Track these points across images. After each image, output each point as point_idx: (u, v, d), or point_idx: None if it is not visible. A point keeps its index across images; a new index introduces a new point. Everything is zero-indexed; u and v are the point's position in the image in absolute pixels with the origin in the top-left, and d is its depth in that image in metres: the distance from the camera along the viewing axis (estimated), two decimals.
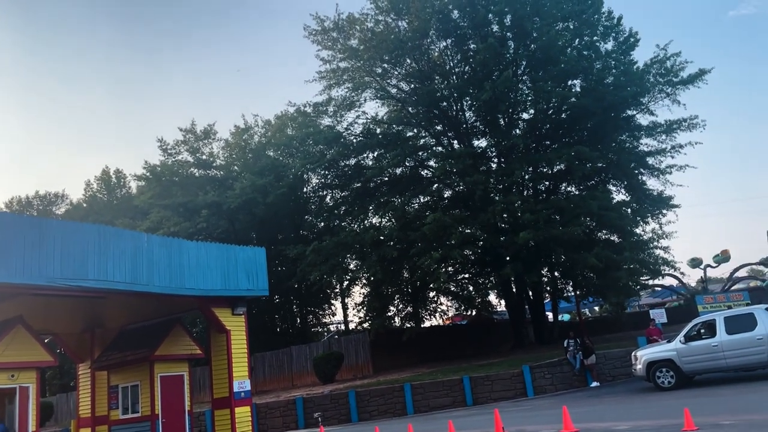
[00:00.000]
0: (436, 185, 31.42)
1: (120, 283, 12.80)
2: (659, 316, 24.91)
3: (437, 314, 36.90)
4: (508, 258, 27.21)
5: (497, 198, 27.27)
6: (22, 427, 12.78)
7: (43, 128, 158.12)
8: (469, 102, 29.72)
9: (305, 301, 41.19)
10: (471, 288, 34.34)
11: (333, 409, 21.94)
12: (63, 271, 11.86)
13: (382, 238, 28.90)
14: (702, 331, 16.36)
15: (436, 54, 29.94)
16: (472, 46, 28.38)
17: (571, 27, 28.24)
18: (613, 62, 28.85)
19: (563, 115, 29.25)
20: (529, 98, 29.41)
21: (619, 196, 31.30)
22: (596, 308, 60.11)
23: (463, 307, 36.17)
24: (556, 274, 31.83)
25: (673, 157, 30.39)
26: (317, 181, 35.70)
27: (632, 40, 29.31)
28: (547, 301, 35.58)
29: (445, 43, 29.59)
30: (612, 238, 29.78)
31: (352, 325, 41.06)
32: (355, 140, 31.14)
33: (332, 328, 46.64)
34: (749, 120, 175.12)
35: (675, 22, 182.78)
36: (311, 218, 38.43)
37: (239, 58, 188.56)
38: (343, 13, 29.36)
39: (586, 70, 27.91)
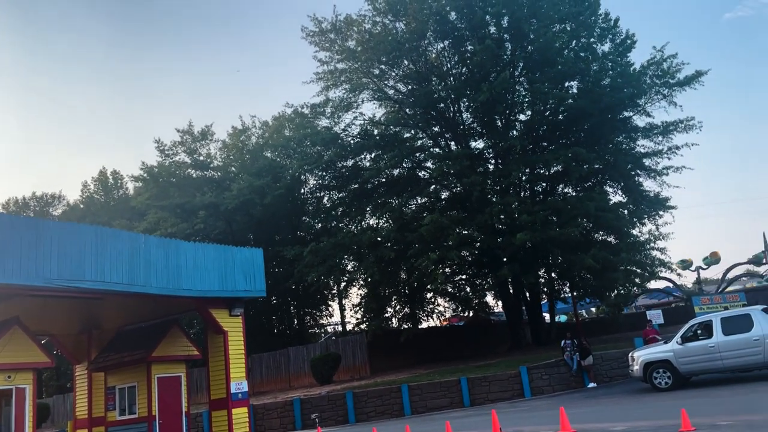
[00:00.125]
0: (433, 186, 31.45)
1: (117, 284, 12.79)
2: (656, 317, 24.96)
3: (434, 315, 36.98)
4: (505, 259, 27.25)
5: (494, 199, 27.31)
6: (18, 428, 12.76)
7: (40, 129, 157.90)
8: (467, 103, 29.78)
9: (303, 302, 41.18)
10: (468, 289, 34.38)
11: (330, 410, 21.94)
12: (60, 272, 11.85)
13: (379, 239, 28.92)
14: (699, 332, 16.39)
15: (434, 55, 29.98)
16: (469, 47, 28.43)
17: (568, 29, 28.29)
18: (610, 64, 28.92)
19: (560, 117, 29.31)
20: (526, 100, 29.48)
21: (616, 197, 31.42)
22: (593, 309, 60.16)
23: (460, 308, 36.20)
24: (553, 275, 31.90)
25: (669, 159, 30.52)
26: (315, 182, 35.71)
27: (629, 42, 29.39)
28: (544, 302, 35.61)
29: (442, 45, 29.65)
30: (609, 240, 29.86)
31: (349, 327, 41.08)
32: (352, 141, 31.16)
33: (329, 329, 46.64)
34: (746, 121, 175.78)
35: (671, 24, 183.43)
36: (309, 219, 38.44)
37: (237, 59, 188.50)
38: (341, 15, 29.43)
39: (583, 72, 27.97)
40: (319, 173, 33.02)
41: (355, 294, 38.36)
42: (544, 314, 36.96)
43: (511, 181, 27.30)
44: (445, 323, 42.53)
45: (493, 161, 30.85)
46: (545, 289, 33.26)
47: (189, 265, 14.41)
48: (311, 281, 30.61)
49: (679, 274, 39.42)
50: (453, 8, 28.18)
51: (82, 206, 51.77)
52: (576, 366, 20.73)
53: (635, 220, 30.23)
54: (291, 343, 35.60)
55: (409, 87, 30.32)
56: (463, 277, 34.12)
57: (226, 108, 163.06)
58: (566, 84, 29.22)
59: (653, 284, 36.14)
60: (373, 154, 30.94)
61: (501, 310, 36.84)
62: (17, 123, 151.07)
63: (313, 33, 29.56)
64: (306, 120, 32.45)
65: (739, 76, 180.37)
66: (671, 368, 16.40)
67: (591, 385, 20.40)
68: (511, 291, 31.85)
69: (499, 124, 29.86)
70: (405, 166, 31.24)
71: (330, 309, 43.91)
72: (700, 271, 41.80)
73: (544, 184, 31.11)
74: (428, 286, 30.36)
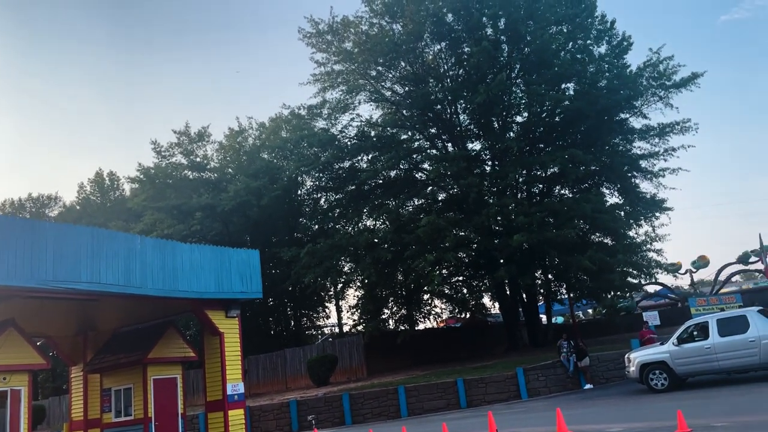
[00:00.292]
0: (430, 188, 31.49)
1: (113, 286, 12.73)
2: (652, 318, 25.00)
3: (431, 317, 36.96)
4: (501, 260, 27.27)
5: (491, 201, 27.34)
6: (13, 430, 12.69)
7: (37, 130, 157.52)
8: (463, 105, 29.81)
9: (299, 303, 41.15)
10: (465, 290, 34.42)
11: (327, 412, 21.90)
12: (55, 273, 11.79)
13: (376, 240, 28.92)
14: (695, 333, 16.41)
15: (431, 57, 30.01)
16: (466, 49, 28.46)
17: (565, 30, 28.35)
18: (607, 66, 29.00)
19: (557, 118, 29.37)
20: (523, 101, 29.53)
21: (613, 198, 31.52)
22: (590, 311, 60.24)
23: (457, 310, 36.23)
24: (549, 276, 31.94)
25: (665, 160, 30.63)
26: (311, 183, 35.71)
27: (625, 43, 29.48)
28: (540, 303, 35.67)
29: (439, 47, 29.69)
30: (605, 241, 29.93)
31: (346, 328, 41.07)
32: (349, 143, 31.17)
33: (326, 330, 46.60)
34: (743, 123, 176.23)
35: (668, 26, 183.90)
36: (305, 221, 38.44)
37: (234, 61, 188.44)
38: (338, 16, 29.46)
39: (579, 74, 28.03)
40: (316, 175, 33.02)
41: (352, 295, 38.41)
42: (540, 316, 37.02)
43: (508, 182, 27.33)
44: (442, 325, 42.55)
45: (489, 163, 30.89)
46: (542, 291, 33.31)
47: (185, 267, 14.35)
48: (308, 283, 30.59)
49: (675, 276, 39.53)
50: (450, 10, 28.22)
51: (78, 207, 51.67)
52: (572, 367, 20.74)
53: (631, 221, 30.32)
54: (288, 345, 35.56)
55: (406, 88, 30.34)
56: (460, 278, 34.14)
57: (223, 109, 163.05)
58: (563, 86, 29.30)
59: (650, 285, 36.24)
60: (370, 156, 30.95)
61: (498, 311, 36.90)
62: (13, 124, 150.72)
63: (310, 34, 29.57)
64: (303, 121, 32.45)
65: (736, 77, 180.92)
66: (667, 369, 16.41)
67: (587, 386, 20.41)
68: (508, 292, 31.88)
69: (496, 125, 29.90)
70: (402, 167, 31.25)
71: (327, 310, 43.94)
72: (692, 273, 41.98)
73: (540, 186, 31.17)
74: (425, 288, 30.38)
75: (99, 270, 12.47)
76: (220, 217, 35.64)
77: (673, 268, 31.69)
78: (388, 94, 31.24)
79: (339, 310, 42.88)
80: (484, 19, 28.01)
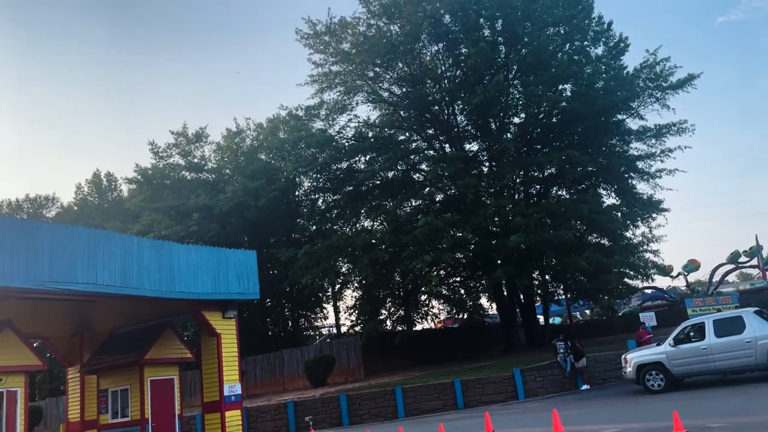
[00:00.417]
0: (427, 189, 31.50)
1: (109, 287, 12.72)
2: (649, 319, 25.03)
3: (429, 317, 36.97)
4: (499, 261, 27.29)
5: (488, 201, 27.37)
6: (9, 431, 12.68)
7: (35, 131, 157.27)
8: (461, 106, 29.83)
9: (297, 304, 41.14)
10: (462, 291, 34.41)
11: (324, 413, 21.91)
12: (52, 274, 11.77)
13: (373, 241, 28.93)
14: (691, 334, 16.45)
15: (428, 58, 30.03)
16: (463, 50, 28.48)
17: (562, 32, 28.40)
18: (604, 67, 29.06)
19: (554, 119, 29.41)
20: (520, 102, 29.57)
21: (610, 199, 31.53)
22: (587, 311, 60.30)
23: (454, 311, 36.24)
24: (546, 277, 31.96)
25: (662, 161, 30.67)
26: (309, 184, 35.68)
27: (622, 45, 29.53)
28: (538, 304, 35.70)
29: (436, 48, 29.70)
30: (602, 242, 29.96)
31: (344, 329, 41.05)
32: (347, 144, 31.17)
33: (324, 331, 46.60)
34: (741, 124, 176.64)
35: (665, 27, 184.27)
36: (303, 221, 38.42)
37: (232, 62, 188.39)
38: (335, 17, 29.44)
39: (576, 75, 28.08)
40: (314, 175, 33.01)
41: (350, 296, 38.43)
42: (538, 316, 37.05)
43: (505, 183, 27.36)
44: (439, 325, 42.56)
45: (487, 164, 30.93)
46: (539, 291, 33.33)
47: (182, 268, 14.35)
48: (306, 283, 30.59)
49: (672, 277, 39.55)
50: (447, 11, 28.24)
51: (75, 208, 51.56)
52: (569, 368, 20.78)
53: (628, 222, 30.35)
54: (285, 346, 35.55)
55: (404, 89, 30.36)
56: (458, 279, 34.15)
57: (221, 110, 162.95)
58: (560, 87, 29.36)
59: (646, 285, 36.26)
60: (368, 157, 30.95)
61: (495, 312, 36.92)
62: (11, 125, 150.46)
63: (307, 35, 29.57)
64: (300, 122, 32.45)
65: (732, 79, 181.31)
66: (664, 370, 16.46)
67: (584, 387, 20.44)
68: (505, 293, 31.90)
69: (493, 126, 29.93)
70: (399, 168, 31.27)
71: (324, 311, 43.94)
72: (685, 276, 42.07)
73: (538, 187, 31.21)
74: (422, 289, 30.37)
75: (95, 271, 12.46)
76: (218, 217, 35.62)
77: (665, 272, 31.73)
78: (385, 95, 31.26)
79: (337, 311, 42.88)
80: (481, 20, 28.03)
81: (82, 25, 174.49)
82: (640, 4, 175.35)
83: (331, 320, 44.88)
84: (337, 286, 37.64)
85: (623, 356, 18.02)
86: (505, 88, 28.10)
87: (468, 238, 27.51)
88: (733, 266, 40.52)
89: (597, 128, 28.53)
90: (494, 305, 35.22)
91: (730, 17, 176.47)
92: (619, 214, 29.48)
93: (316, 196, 35.87)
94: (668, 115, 49.54)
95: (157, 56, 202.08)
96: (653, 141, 30.31)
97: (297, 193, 38.48)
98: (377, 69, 29.73)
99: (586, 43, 29.56)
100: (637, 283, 31.94)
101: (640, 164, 30.89)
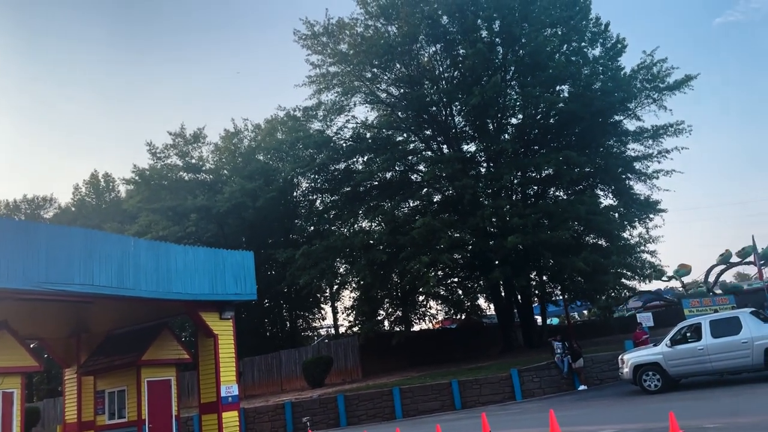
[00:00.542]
0: (425, 189, 31.51)
1: (106, 288, 12.74)
2: (646, 319, 25.07)
3: (427, 318, 36.99)
4: (496, 262, 27.31)
5: (486, 202, 27.39)
6: None
7: (32, 132, 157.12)
8: (458, 107, 29.86)
9: (295, 305, 41.13)
10: (460, 292, 34.41)
11: (322, 414, 21.90)
12: (48, 275, 11.78)
13: (371, 242, 28.93)
14: (688, 334, 16.48)
15: (426, 59, 30.05)
16: (461, 51, 28.51)
17: (560, 33, 28.42)
18: (601, 68, 29.09)
19: (551, 120, 29.44)
20: (518, 103, 29.60)
21: (607, 200, 31.57)
22: (585, 312, 60.36)
23: (452, 311, 36.25)
24: (544, 277, 32.00)
25: (659, 162, 30.71)
26: (307, 185, 35.70)
27: (619, 46, 29.57)
28: (535, 304, 35.72)
29: (434, 48, 29.72)
30: (600, 243, 30.00)
31: (341, 329, 41.06)
32: (344, 144, 31.18)
33: (322, 332, 46.59)
34: (739, 125, 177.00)
35: (662, 28, 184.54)
36: (301, 222, 38.42)
37: (229, 63, 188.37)
38: (333, 18, 29.41)
39: (574, 76, 28.10)
40: (312, 176, 33.01)
41: (348, 297, 38.43)
42: (535, 317, 37.08)
43: (503, 184, 27.39)
44: (437, 326, 42.56)
45: (484, 164, 30.95)
46: (536, 292, 33.37)
47: (179, 269, 14.37)
48: (303, 284, 30.58)
49: (669, 278, 39.59)
50: (445, 12, 28.26)
51: (73, 209, 51.49)
52: (567, 368, 20.79)
53: (626, 223, 30.38)
54: (283, 346, 35.54)
55: (402, 90, 30.38)
56: (455, 279, 34.17)
57: (219, 111, 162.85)
58: (557, 88, 29.38)
59: (643, 287, 36.29)
60: (366, 157, 30.96)
61: (493, 312, 36.95)
62: (9, 126, 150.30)
63: (305, 36, 29.55)
64: (298, 123, 32.45)
65: (730, 80, 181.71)
66: (660, 371, 16.47)
67: (581, 387, 20.46)
68: (503, 294, 31.92)
69: (491, 127, 29.96)
70: (397, 169, 31.29)
71: (322, 312, 43.91)
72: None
73: (535, 188, 31.24)
74: (420, 289, 30.40)
75: (92, 272, 12.48)
76: (216, 218, 35.60)
77: (658, 275, 31.88)
78: (383, 95, 31.27)
79: (335, 312, 42.91)
80: (478, 21, 28.06)
81: (81, 25, 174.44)
82: (638, 5, 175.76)
83: (329, 321, 44.93)
84: (335, 287, 37.64)
85: (620, 357, 18.04)
86: (503, 89, 28.13)
87: (466, 239, 27.53)
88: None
89: (594, 129, 28.57)
90: (492, 306, 35.23)
91: (727, 18, 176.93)
92: (617, 214, 29.50)
93: (314, 196, 35.88)
94: (665, 116, 49.69)
95: (156, 57, 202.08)
96: (650, 142, 30.39)
97: (295, 193, 38.47)
98: (375, 70, 29.74)
99: (583, 44, 29.60)
100: (635, 283, 32.01)
101: (637, 165, 30.95)
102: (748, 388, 14.89)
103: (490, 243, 26.76)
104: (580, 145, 28.99)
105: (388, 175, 31.40)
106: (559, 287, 31.97)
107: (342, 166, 31.73)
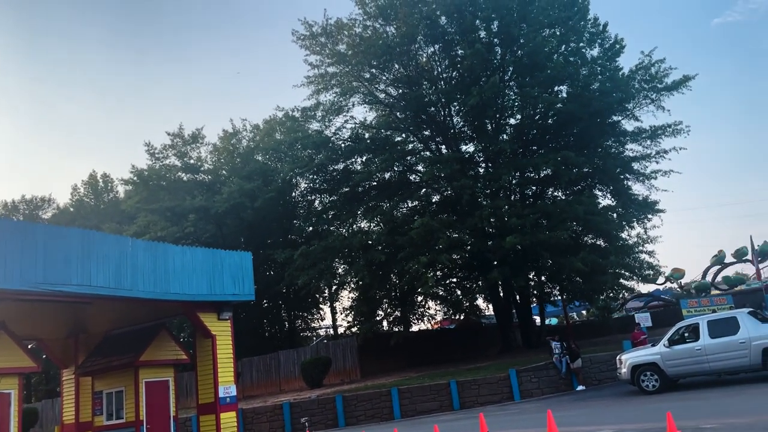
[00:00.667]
0: (424, 190, 31.52)
1: (104, 288, 12.73)
2: (644, 320, 25.07)
3: (425, 318, 36.98)
4: (495, 262, 27.32)
5: (484, 203, 27.39)
6: None
7: (31, 132, 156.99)
8: (457, 107, 29.87)
9: (294, 305, 41.10)
10: (459, 292, 34.43)
11: (320, 414, 21.90)
12: (46, 275, 11.78)
13: (370, 242, 28.94)
14: (686, 334, 16.49)
15: (424, 59, 30.06)
16: (459, 51, 28.53)
17: (558, 33, 28.45)
18: (599, 68, 29.12)
19: (550, 121, 29.45)
20: (516, 104, 29.62)
21: (605, 200, 31.60)
22: (584, 312, 60.39)
23: (451, 311, 36.26)
24: (542, 278, 32.02)
25: (657, 162, 30.74)
26: (306, 185, 35.70)
27: (618, 46, 29.60)
28: (534, 305, 35.74)
29: (432, 49, 29.73)
30: (598, 243, 30.04)
31: (340, 330, 41.05)
32: (343, 145, 31.19)
33: (321, 332, 46.57)
34: (737, 125, 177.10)
35: (660, 29, 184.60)
36: (300, 223, 38.43)
37: (228, 63, 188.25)
38: (332, 18, 29.40)
39: (572, 76, 28.13)
40: (310, 176, 33.02)
41: (346, 297, 38.43)
42: (534, 317, 37.09)
43: (501, 184, 27.40)
44: (436, 326, 42.57)
45: (483, 165, 30.96)
46: (535, 292, 33.39)
47: (177, 269, 14.37)
48: (302, 284, 30.57)
49: (666, 278, 39.62)
50: (443, 12, 28.27)
51: (71, 209, 51.44)
52: (565, 369, 20.80)
53: (624, 223, 30.41)
54: (282, 347, 35.51)
55: (400, 91, 30.39)
56: (454, 280, 34.17)
57: (217, 111, 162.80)
58: (556, 88, 29.40)
59: (641, 287, 36.34)
60: (364, 158, 30.97)
61: (491, 313, 36.98)
62: (8, 126, 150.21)
63: (303, 37, 29.56)
64: (297, 123, 32.46)
65: (728, 80, 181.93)
66: (658, 371, 16.49)
67: (580, 387, 20.47)
68: (502, 294, 31.93)
69: (489, 127, 29.97)
70: (396, 169, 31.29)
71: (321, 312, 43.89)
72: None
73: (533, 188, 31.26)
74: (419, 290, 30.40)
75: (90, 272, 12.47)
76: (214, 219, 35.59)
77: (655, 276, 31.93)
78: (381, 96, 31.28)
79: (333, 312, 42.89)
80: (477, 21, 28.08)
81: (80, 25, 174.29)
82: (636, 6, 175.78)
83: (328, 321, 44.89)
84: (334, 287, 37.62)
85: (618, 357, 18.05)
86: (501, 90, 28.14)
87: (464, 239, 27.53)
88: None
89: (592, 129, 28.59)
90: (490, 306, 35.24)
91: (725, 19, 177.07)
92: (615, 215, 29.54)
93: (313, 197, 35.88)
94: (663, 116, 49.69)
95: (155, 57, 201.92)
96: (648, 142, 30.42)
97: (293, 194, 38.47)
98: (373, 70, 29.75)
99: (581, 44, 29.61)
100: (633, 284, 32.04)
101: (635, 165, 30.97)
102: (746, 388, 14.91)
103: (489, 243, 26.77)
104: (578, 146, 29.02)
105: (387, 175, 31.41)
106: (557, 287, 31.99)
107: (341, 166, 31.74)
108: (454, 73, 29.64)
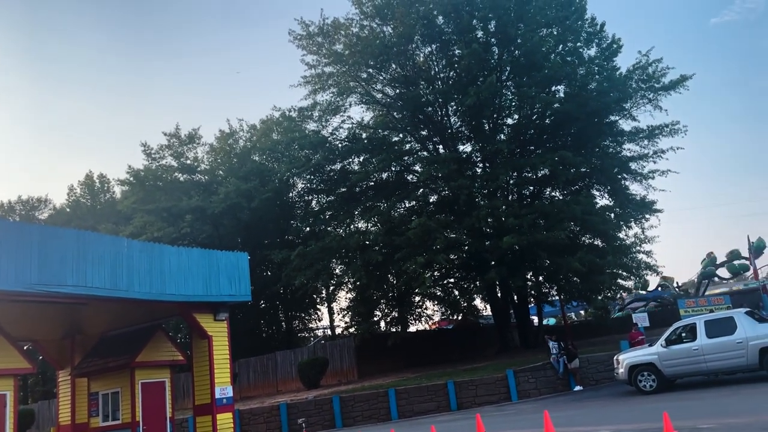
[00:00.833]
0: (421, 190, 31.49)
1: (99, 289, 12.66)
2: (642, 320, 25.09)
3: (423, 319, 36.95)
4: (492, 262, 27.29)
5: (482, 203, 27.37)
6: None
7: (27, 132, 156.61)
8: (454, 107, 29.84)
9: (291, 306, 41.04)
10: (456, 292, 34.43)
11: (317, 415, 21.84)
12: (41, 276, 11.70)
13: (367, 242, 28.89)
14: (683, 334, 16.48)
15: (421, 59, 30.03)
16: (456, 51, 28.50)
17: (555, 33, 28.45)
18: (596, 68, 29.11)
19: (547, 121, 29.45)
20: (514, 103, 29.60)
21: (603, 200, 31.61)
22: (582, 312, 60.42)
23: (448, 312, 36.25)
24: (540, 278, 31.99)
25: (655, 162, 30.74)
26: (303, 185, 35.65)
27: (615, 46, 29.59)
28: (532, 305, 35.73)
29: (430, 49, 29.71)
30: (596, 243, 30.03)
31: (337, 330, 41.02)
32: (340, 145, 31.14)
33: (318, 333, 46.50)
34: (735, 125, 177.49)
35: (657, 29, 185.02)
36: (297, 223, 38.38)
37: (226, 63, 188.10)
38: (328, 18, 29.39)
39: (569, 76, 28.12)
40: (307, 177, 32.96)
41: (344, 298, 38.37)
42: (532, 317, 37.08)
43: (499, 184, 27.38)
44: (433, 327, 42.54)
45: (480, 165, 30.94)
46: (533, 292, 33.37)
47: (173, 270, 14.29)
48: (299, 285, 30.53)
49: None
50: (440, 12, 28.24)
51: (68, 210, 51.23)
52: (562, 369, 20.78)
53: (621, 223, 30.42)
54: (279, 348, 35.44)
55: (397, 91, 30.35)
56: (451, 280, 34.15)
57: (214, 111, 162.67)
58: (553, 88, 29.38)
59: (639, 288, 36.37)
60: (362, 158, 30.93)
61: (489, 313, 36.97)
62: (4, 126, 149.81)
63: (300, 36, 29.52)
64: (294, 123, 32.41)
65: (726, 80, 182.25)
66: (656, 371, 16.47)
67: (577, 388, 20.44)
68: (499, 294, 31.92)
69: (487, 127, 29.95)
70: (393, 169, 31.25)
71: (318, 313, 43.84)
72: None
73: (531, 188, 31.25)
74: (416, 290, 30.39)
75: (85, 273, 12.40)
76: (211, 219, 35.51)
77: (644, 286, 32.02)
78: (378, 96, 31.24)
79: (331, 313, 42.83)
80: (474, 21, 28.04)
81: (76, 25, 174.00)
82: (634, 5, 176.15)
83: (325, 322, 44.83)
84: (331, 288, 37.56)
85: (615, 357, 18.04)
86: (499, 90, 28.11)
87: (461, 239, 27.51)
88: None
89: (590, 129, 28.59)
90: (488, 306, 35.23)
91: (723, 18, 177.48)
92: (612, 215, 29.55)
93: (310, 197, 35.82)
94: (660, 116, 49.76)
95: (152, 58, 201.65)
96: (646, 142, 30.41)
97: (290, 194, 38.41)
98: (370, 70, 29.71)
99: (579, 44, 29.60)
100: (630, 284, 32.07)
101: (633, 165, 30.96)
102: (743, 388, 14.90)
103: (486, 243, 26.76)
104: (575, 146, 29.00)
105: (384, 175, 31.37)
106: (555, 287, 31.98)
107: (338, 166, 31.69)
108: (452, 73, 29.62)
